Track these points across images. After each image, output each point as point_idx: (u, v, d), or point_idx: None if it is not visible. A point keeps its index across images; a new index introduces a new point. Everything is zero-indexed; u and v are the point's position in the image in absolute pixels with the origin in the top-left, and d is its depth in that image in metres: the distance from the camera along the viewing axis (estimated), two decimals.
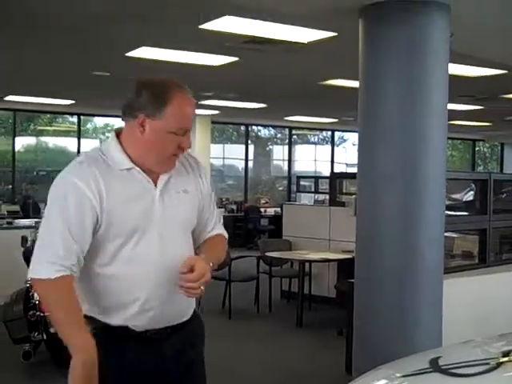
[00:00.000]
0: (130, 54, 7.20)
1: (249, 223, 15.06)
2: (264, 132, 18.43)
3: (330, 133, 18.40)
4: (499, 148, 21.16)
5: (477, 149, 21.07)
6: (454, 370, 1.63)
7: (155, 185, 2.21)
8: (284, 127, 17.45)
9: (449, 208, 5.86)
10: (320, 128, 17.85)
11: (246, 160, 16.89)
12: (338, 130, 18.23)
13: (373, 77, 4.30)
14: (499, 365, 1.62)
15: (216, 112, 13.84)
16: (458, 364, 1.65)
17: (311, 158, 18.70)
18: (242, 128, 17.05)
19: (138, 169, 2.19)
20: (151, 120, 2.13)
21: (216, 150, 16.53)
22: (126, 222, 2.14)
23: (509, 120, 14.11)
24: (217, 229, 2.47)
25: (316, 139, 19.29)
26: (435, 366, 1.68)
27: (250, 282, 7.87)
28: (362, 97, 4.38)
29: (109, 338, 2.16)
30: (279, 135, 18.67)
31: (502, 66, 7.57)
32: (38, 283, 2.09)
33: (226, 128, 17.66)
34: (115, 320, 2.18)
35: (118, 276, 2.14)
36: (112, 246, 2.14)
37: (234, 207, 15.61)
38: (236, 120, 15.99)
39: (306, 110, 13.43)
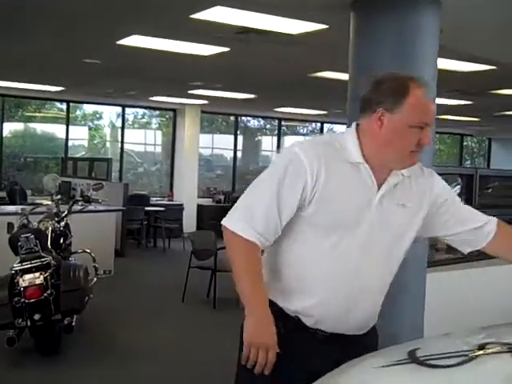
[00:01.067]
0: (122, 42, 7.18)
1: None
2: (253, 123, 18.42)
3: (319, 124, 18.43)
4: (487, 143, 21.28)
5: (465, 144, 21.17)
6: (430, 362, 1.65)
7: (378, 188, 2.15)
8: (273, 118, 17.46)
9: None
10: (309, 120, 17.87)
11: (235, 150, 16.89)
12: (327, 122, 18.26)
13: (362, 69, 4.32)
14: (474, 357, 1.65)
15: (205, 102, 13.83)
16: (435, 356, 1.67)
17: None
18: (232, 118, 17.04)
19: (366, 165, 2.13)
20: (390, 114, 2.07)
21: (205, 139, 16.51)
22: (333, 215, 2.10)
23: (497, 115, 14.19)
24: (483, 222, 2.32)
25: (305, 131, 19.31)
26: (413, 357, 1.71)
27: None
28: (351, 89, 4.40)
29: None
30: (268, 126, 18.66)
31: (491, 62, 7.62)
32: (231, 234, 2.09)
33: (215, 118, 17.64)
34: (290, 304, 2.16)
35: (303, 257, 2.13)
36: (311, 232, 2.12)
37: (222, 197, 15.63)
38: (225, 110, 15.98)
39: (295, 101, 13.44)
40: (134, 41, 7.13)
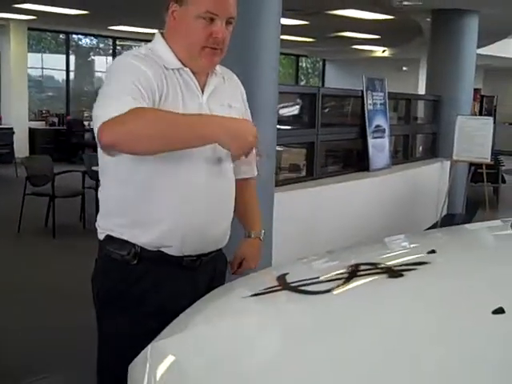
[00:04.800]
0: None
1: (72, 137, 14.42)
2: (85, 41, 17.50)
3: None
4: (321, 64, 21.78)
5: (300, 64, 21.52)
6: (303, 288, 1.56)
7: (202, 92, 2.01)
8: (107, 37, 16.66)
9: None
10: (145, 39, 17.26)
11: (68, 71, 15.97)
12: None
13: None
14: (348, 281, 1.57)
15: (33, 17, 12.86)
16: (306, 281, 1.58)
17: None
18: (62, 36, 16.03)
19: (186, 69, 1.98)
20: (179, 6, 1.94)
21: (33, 59, 15.48)
22: None
23: (331, 36, 14.45)
24: (253, 169, 2.29)
25: None
26: (284, 284, 1.61)
27: (75, 198, 7.55)
28: None
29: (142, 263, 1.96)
30: (102, 45, 17.83)
31: None
32: (121, 118, 1.71)
33: (43, 36, 16.53)
34: (144, 239, 1.94)
35: (160, 173, 1.90)
36: None
37: (56, 120, 14.84)
38: (55, 27, 14.98)
39: (130, 19, 12.84)
40: None
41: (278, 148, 6.05)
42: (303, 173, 6.00)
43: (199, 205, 1.95)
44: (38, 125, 14.60)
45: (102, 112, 1.76)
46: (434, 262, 1.65)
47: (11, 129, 13.53)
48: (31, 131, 14.21)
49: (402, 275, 1.56)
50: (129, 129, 1.72)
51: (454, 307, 1.41)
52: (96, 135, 1.77)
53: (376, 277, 1.58)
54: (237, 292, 1.68)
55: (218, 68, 2.09)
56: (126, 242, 1.97)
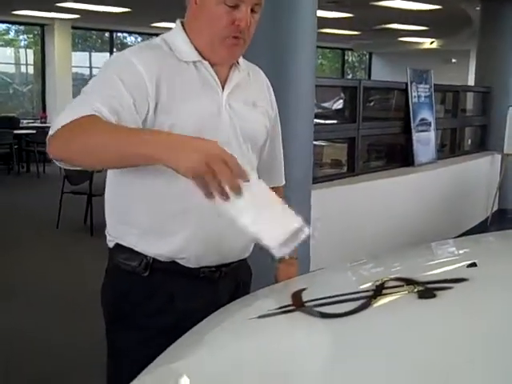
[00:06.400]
0: None
1: None
2: (130, 39, 17.51)
3: None
4: (367, 57, 21.40)
5: (346, 58, 21.18)
6: (319, 309, 1.33)
7: (223, 88, 1.78)
8: (151, 34, 16.63)
9: (318, 116, 5.68)
10: None
11: None
12: None
13: None
14: (371, 301, 1.34)
15: (76, 16, 12.89)
16: (325, 300, 1.36)
17: None
18: (106, 35, 16.07)
19: (205, 62, 1.76)
20: None
21: (80, 58, 15.57)
22: (185, 124, 1.66)
23: (377, 29, 14.11)
24: (281, 177, 2.10)
25: None
26: (298, 302, 1.39)
27: None
28: None
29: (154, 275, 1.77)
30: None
31: None
32: (59, 140, 1.50)
33: (88, 34, 16.60)
34: (157, 249, 1.76)
35: (167, 181, 1.62)
36: None
37: None
38: (99, 26, 15.01)
39: (173, 16, 12.72)
40: None
41: (320, 143, 5.88)
42: (345, 168, 5.78)
43: (214, 215, 1.75)
44: None
45: (57, 119, 1.54)
46: (474, 279, 1.42)
47: None
48: None
49: (434, 295, 1.33)
50: (69, 144, 1.50)
51: (493, 340, 1.18)
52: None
53: (405, 296, 1.36)
54: (244, 312, 1.47)
55: (242, 62, 1.87)
56: (137, 252, 1.79)
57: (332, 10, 11.02)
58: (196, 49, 1.77)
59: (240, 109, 1.80)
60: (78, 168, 1.67)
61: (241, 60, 1.86)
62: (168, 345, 1.51)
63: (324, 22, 11.55)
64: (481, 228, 7.62)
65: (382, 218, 5.46)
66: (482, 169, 8.04)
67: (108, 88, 1.61)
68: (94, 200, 7.02)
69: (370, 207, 5.30)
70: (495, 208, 8.12)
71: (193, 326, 1.57)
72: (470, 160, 7.80)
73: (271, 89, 2.00)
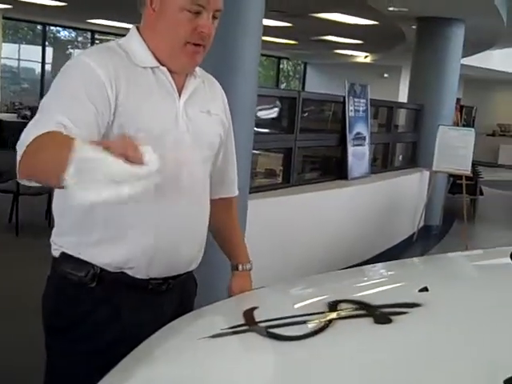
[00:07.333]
0: None
1: None
2: (64, 34, 17.15)
3: None
4: (302, 67, 21.61)
5: (281, 66, 21.32)
6: (273, 330, 1.30)
7: (179, 95, 1.75)
8: (86, 30, 16.33)
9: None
10: (124, 34, 16.93)
11: (43, 63, 15.60)
12: None
13: None
14: (327, 325, 1.31)
15: (8, 6, 12.52)
16: (278, 321, 1.33)
17: None
18: (39, 27, 15.66)
19: (163, 68, 1.73)
20: None
21: (9, 49, 15.11)
22: (150, 129, 1.64)
23: (314, 40, 14.26)
24: (233, 188, 2.06)
25: None
26: (251, 322, 1.35)
27: (41, 196, 7.25)
28: None
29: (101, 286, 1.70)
30: (81, 39, 17.48)
31: None
32: (21, 167, 1.43)
33: (20, 26, 16.14)
34: (107, 258, 1.68)
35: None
36: None
37: (29, 113, 14.44)
38: (32, 18, 14.61)
39: (109, 13, 12.53)
40: None
41: (254, 151, 5.84)
42: (279, 179, 5.77)
43: (168, 225, 1.71)
44: (9, 117, 14.18)
45: (24, 136, 1.46)
46: (427, 304, 1.41)
47: None
48: (1, 123, 13.81)
49: (390, 320, 1.31)
50: (33, 164, 1.42)
51: (450, 370, 1.17)
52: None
53: (360, 321, 1.33)
54: (194, 330, 1.42)
55: (198, 70, 1.84)
56: (84, 261, 1.72)
57: (273, 19, 11.07)
58: (154, 55, 1.73)
59: (196, 116, 1.78)
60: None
61: (197, 68, 1.83)
62: (113, 360, 1.45)
63: (264, 30, 11.59)
64: (407, 243, 7.79)
65: (316, 231, 5.48)
66: (411, 185, 8.20)
67: (69, 98, 1.56)
68: (23, 199, 6.81)
69: (303, 219, 5.31)
70: (421, 224, 8.30)
71: (140, 339, 1.52)
72: (400, 175, 7.94)
73: (226, 100, 1.98)
